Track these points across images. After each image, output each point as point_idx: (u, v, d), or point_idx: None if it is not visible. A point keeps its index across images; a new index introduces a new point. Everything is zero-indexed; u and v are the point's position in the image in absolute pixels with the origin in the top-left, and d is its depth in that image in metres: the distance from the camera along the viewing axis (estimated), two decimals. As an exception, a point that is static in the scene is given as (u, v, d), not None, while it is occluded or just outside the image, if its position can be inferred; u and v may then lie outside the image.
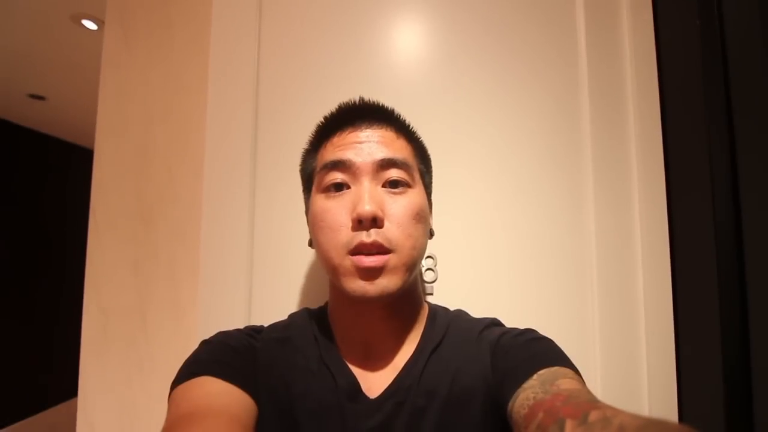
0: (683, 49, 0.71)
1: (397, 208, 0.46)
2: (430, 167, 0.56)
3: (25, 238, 3.01)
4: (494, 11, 0.76)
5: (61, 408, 3.16)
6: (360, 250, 0.44)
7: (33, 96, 2.55)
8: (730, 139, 0.63)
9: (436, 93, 0.75)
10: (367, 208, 0.43)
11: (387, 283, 0.44)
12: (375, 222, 0.44)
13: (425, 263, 0.71)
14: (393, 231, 0.45)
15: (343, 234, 0.45)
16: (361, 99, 0.52)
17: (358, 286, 0.44)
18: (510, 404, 0.40)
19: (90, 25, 1.76)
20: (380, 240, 0.44)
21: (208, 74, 0.76)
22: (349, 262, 0.44)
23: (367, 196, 0.44)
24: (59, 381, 3.09)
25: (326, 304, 0.56)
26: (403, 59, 0.76)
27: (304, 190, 0.54)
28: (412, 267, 0.47)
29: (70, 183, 3.34)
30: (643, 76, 0.75)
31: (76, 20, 1.72)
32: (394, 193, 0.47)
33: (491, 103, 0.75)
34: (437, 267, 0.72)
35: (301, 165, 0.55)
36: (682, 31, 0.71)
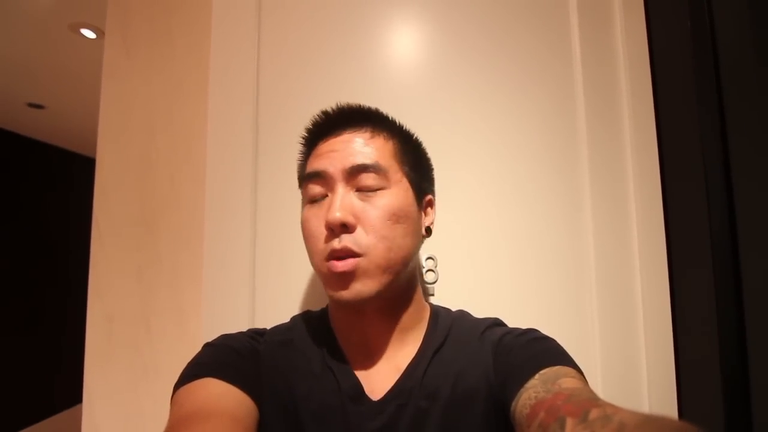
0: (675, 49, 0.72)
1: (370, 210, 0.46)
2: (421, 161, 0.55)
3: (28, 247, 3.01)
4: (490, 15, 0.77)
5: (66, 414, 3.16)
6: (333, 255, 0.45)
7: (32, 105, 2.56)
8: (723, 137, 0.64)
9: (433, 95, 0.75)
10: (336, 215, 0.44)
11: (361, 287, 0.45)
12: (346, 228, 0.45)
13: (426, 264, 0.72)
14: (363, 235, 0.45)
15: (321, 242, 0.46)
16: (338, 105, 0.52)
17: (335, 291, 0.46)
18: (513, 404, 0.41)
19: (89, 34, 1.76)
20: (349, 245, 0.45)
21: (209, 81, 0.76)
22: (326, 268, 0.46)
23: (337, 203, 0.45)
24: (64, 387, 3.10)
25: (328, 306, 0.56)
26: (400, 62, 0.76)
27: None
28: (388, 269, 0.46)
29: (72, 191, 3.35)
30: (636, 75, 0.76)
31: (75, 29, 1.73)
32: (367, 197, 0.47)
33: (488, 104, 0.76)
34: (438, 268, 0.72)
35: (297, 174, 0.56)
36: (674, 32, 0.72)
